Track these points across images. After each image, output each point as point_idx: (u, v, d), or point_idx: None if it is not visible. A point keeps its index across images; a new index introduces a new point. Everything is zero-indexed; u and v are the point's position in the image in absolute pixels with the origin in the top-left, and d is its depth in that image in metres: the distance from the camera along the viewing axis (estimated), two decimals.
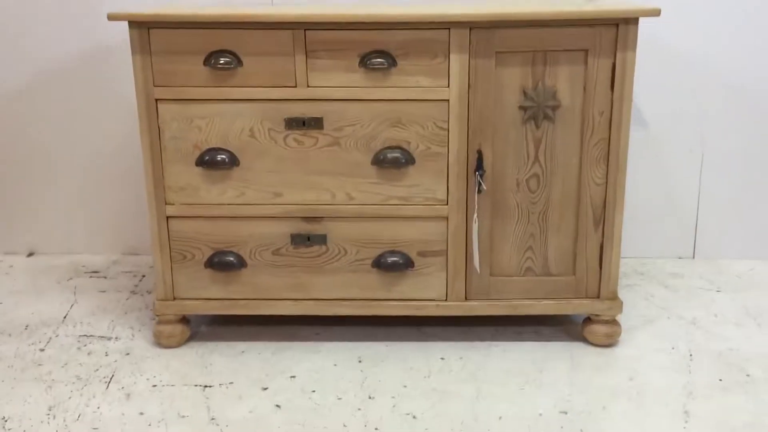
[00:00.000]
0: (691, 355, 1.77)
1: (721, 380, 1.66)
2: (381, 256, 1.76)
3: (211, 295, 1.80)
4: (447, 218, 1.74)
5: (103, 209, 2.40)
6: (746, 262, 2.31)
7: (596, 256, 1.75)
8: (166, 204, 1.74)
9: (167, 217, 1.75)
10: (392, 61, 1.64)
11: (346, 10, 1.62)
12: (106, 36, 2.20)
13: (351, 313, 1.80)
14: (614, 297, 1.78)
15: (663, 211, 2.31)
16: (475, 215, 1.72)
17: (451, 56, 1.64)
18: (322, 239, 1.76)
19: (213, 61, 1.65)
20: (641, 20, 1.61)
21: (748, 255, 2.34)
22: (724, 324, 1.92)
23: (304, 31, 1.63)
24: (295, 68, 1.66)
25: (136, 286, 2.21)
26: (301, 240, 1.76)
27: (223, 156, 1.71)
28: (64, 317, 2.00)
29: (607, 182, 1.71)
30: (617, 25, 1.61)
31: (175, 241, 1.77)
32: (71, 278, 2.25)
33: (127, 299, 2.12)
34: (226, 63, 1.65)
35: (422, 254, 1.76)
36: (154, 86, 1.67)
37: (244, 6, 1.75)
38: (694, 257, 2.36)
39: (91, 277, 2.27)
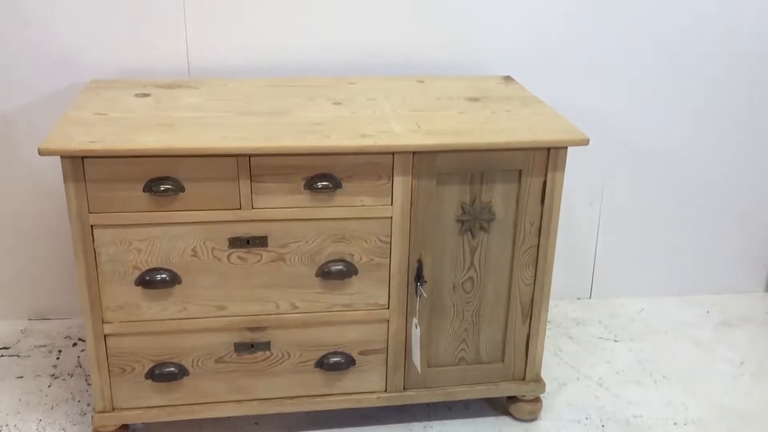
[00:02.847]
0: (603, 425, 1.98)
1: None
2: (324, 357, 1.82)
3: (152, 403, 1.80)
4: (388, 321, 1.81)
5: (5, 271, 2.28)
6: (637, 301, 2.56)
7: (523, 345, 1.90)
8: (103, 323, 1.70)
9: (105, 335, 1.71)
10: (337, 183, 1.66)
11: (292, 141, 1.61)
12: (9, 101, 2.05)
13: (294, 410, 1.86)
14: (538, 379, 1.94)
15: (565, 257, 2.49)
16: (416, 320, 1.80)
17: (395, 178, 1.68)
18: (266, 346, 1.79)
19: (153, 187, 1.60)
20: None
21: (638, 294, 2.60)
22: (626, 384, 2.15)
23: (248, 158, 1.61)
24: (239, 192, 1.64)
25: (55, 366, 2.14)
26: (245, 348, 1.78)
27: (164, 275, 1.68)
28: None
29: (534, 283, 1.84)
30: (549, 150, 1.71)
31: (113, 357, 1.73)
32: None
33: (50, 386, 2.05)
34: (166, 189, 1.60)
35: (364, 353, 1.84)
36: (90, 213, 1.60)
37: (187, 136, 1.68)
38: (590, 297, 2.58)
39: (2, 356, 2.17)
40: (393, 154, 1.66)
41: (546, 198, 1.76)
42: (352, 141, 1.62)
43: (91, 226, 1.61)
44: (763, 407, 2.07)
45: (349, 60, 2.20)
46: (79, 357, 2.19)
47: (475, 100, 1.94)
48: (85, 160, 1.56)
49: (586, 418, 2.00)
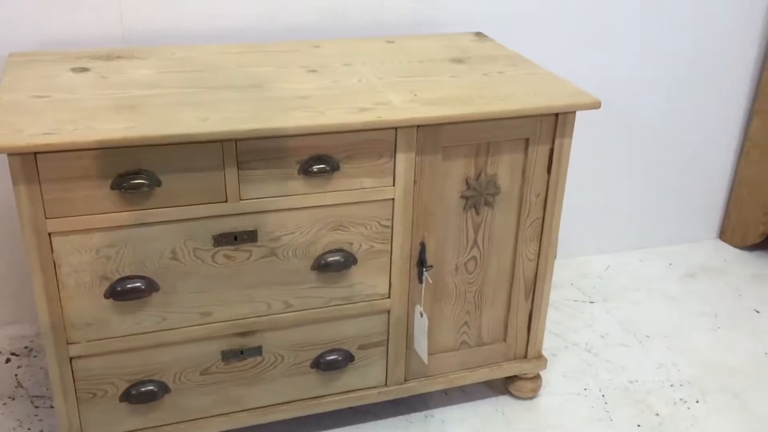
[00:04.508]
0: (603, 395, 1.92)
1: (639, 426, 1.83)
2: (320, 356, 1.64)
3: (129, 427, 1.56)
4: (389, 310, 1.65)
5: None
6: (602, 259, 2.52)
7: (525, 322, 1.80)
8: (68, 344, 1.44)
9: (71, 358, 1.46)
10: (335, 165, 1.47)
11: (285, 121, 1.39)
12: None
13: (289, 417, 1.68)
14: (539, 356, 1.85)
15: None
16: (420, 308, 1.65)
17: (398, 155, 1.50)
18: (257, 351, 1.59)
19: (123, 183, 1.34)
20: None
21: (601, 251, 2.56)
22: (613, 348, 2.10)
23: (234, 143, 1.38)
24: (225, 183, 1.41)
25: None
26: (234, 355, 1.57)
27: (139, 284, 1.44)
28: None
29: (539, 257, 1.72)
30: (557, 115, 1.58)
31: (81, 382, 1.48)
32: None
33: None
34: (139, 185, 1.35)
35: (363, 347, 1.67)
36: (47, 219, 1.33)
37: (160, 120, 1.42)
38: (556, 257, 2.52)
39: None
40: (396, 129, 1.47)
41: (552, 167, 1.63)
42: (352, 117, 1.43)
43: (49, 234, 1.35)
44: (748, 360, 2.08)
45: (305, 21, 1.98)
46: (17, 375, 1.90)
47: (459, 61, 1.78)
48: (38, 156, 1.28)
49: (585, 389, 1.94)
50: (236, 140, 1.38)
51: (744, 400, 1.92)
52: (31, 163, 1.28)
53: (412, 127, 1.48)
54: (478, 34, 2.01)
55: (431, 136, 1.51)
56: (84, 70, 1.60)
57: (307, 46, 1.86)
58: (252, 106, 1.45)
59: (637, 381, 1.98)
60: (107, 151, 1.31)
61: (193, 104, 1.44)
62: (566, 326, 2.18)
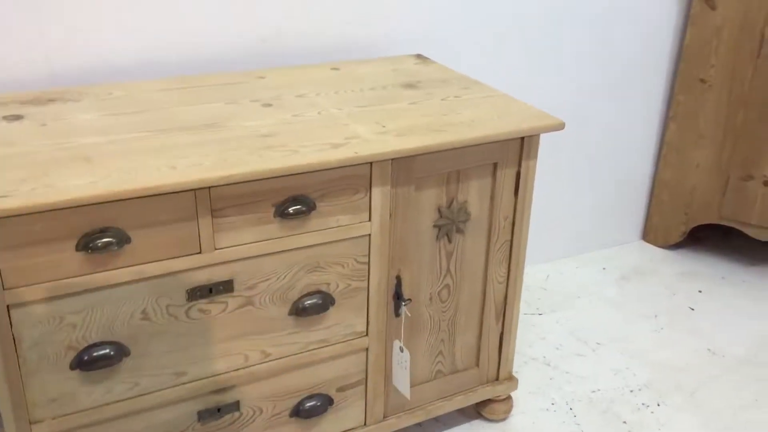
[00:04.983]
0: (570, 408, 1.94)
1: None
2: (299, 403, 1.57)
3: None
4: (367, 349, 1.60)
5: None
6: (540, 268, 2.57)
7: (497, 345, 1.79)
8: (31, 424, 1.30)
9: None
10: (311, 205, 1.40)
11: (260, 163, 1.31)
12: None
13: None
14: (510, 377, 1.84)
15: None
16: (401, 343, 1.61)
17: (373, 190, 1.45)
18: (234, 406, 1.49)
19: (90, 244, 1.22)
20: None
21: (537, 260, 2.60)
22: (570, 359, 2.13)
23: (208, 191, 1.29)
24: (199, 232, 1.31)
25: None
26: (210, 414, 1.47)
27: (107, 350, 1.31)
28: None
29: (508, 279, 1.72)
30: (522, 138, 1.58)
31: None
32: None
33: None
34: (107, 244, 1.23)
35: (341, 389, 1.61)
36: (4, 290, 1.19)
37: (123, 172, 1.30)
38: None
39: None
40: (371, 164, 1.42)
41: (520, 189, 1.63)
42: (327, 154, 1.36)
43: (7, 307, 1.20)
44: (694, 358, 2.16)
45: (239, 50, 1.89)
46: None
47: (411, 86, 1.75)
48: None
49: (552, 404, 1.95)
50: (210, 188, 1.29)
51: (699, 399, 2.00)
52: None
53: (387, 160, 1.43)
54: (419, 56, 1.99)
55: (405, 168, 1.47)
56: (17, 117, 1.46)
57: (249, 77, 1.77)
58: (217, 149, 1.35)
59: (599, 390, 2.02)
60: (71, 211, 1.19)
61: (152, 151, 1.33)
62: (521, 341, 2.19)
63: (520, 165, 1.61)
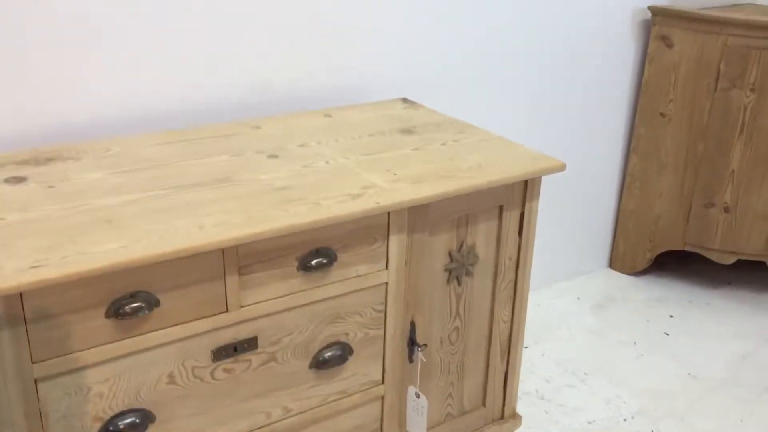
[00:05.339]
0: None
1: None
2: None
3: None
4: (383, 397, 1.59)
5: None
6: None
7: (502, 384, 1.81)
8: None
9: None
10: (333, 257, 1.39)
11: (287, 219, 1.30)
12: None
13: None
14: (514, 415, 1.86)
15: None
16: (416, 389, 1.61)
17: (391, 238, 1.46)
18: None
19: (119, 310, 1.18)
20: None
21: None
22: (561, 391, 2.17)
23: (236, 248, 1.27)
24: (226, 291, 1.29)
25: None
26: None
27: (134, 418, 1.27)
28: None
29: (512, 318, 1.75)
30: (527, 181, 1.62)
31: None
32: None
33: None
34: (137, 309, 1.20)
35: None
36: (33, 363, 1.14)
37: (151, 234, 1.27)
38: None
39: None
40: (389, 213, 1.43)
41: (523, 229, 1.67)
42: (349, 205, 1.37)
43: (35, 381, 1.15)
44: (678, 383, 2.23)
45: (228, 99, 1.88)
46: None
47: (408, 132, 1.77)
48: (24, 295, 1.09)
49: None
50: (238, 246, 1.27)
51: (691, 423, 2.06)
52: (16, 304, 1.09)
53: (404, 209, 1.44)
54: (405, 100, 2.02)
55: (420, 215, 1.49)
56: (20, 179, 1.40)
57: (244, 127, 1.76)
58: (239, 205, 1.34)
59: (594, 421, 2.06)
60: (103, 277, 1.15)
61: (173, 210, 1.31)
62: None
63: (523, 206, 1.65)
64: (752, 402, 2.16)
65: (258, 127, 1.76)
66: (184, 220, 1.27)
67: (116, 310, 1.18)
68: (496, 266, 1.67)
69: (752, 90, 2.44)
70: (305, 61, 1.95)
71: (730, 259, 2.65)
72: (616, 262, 2.89)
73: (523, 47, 2.33)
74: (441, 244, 1.56)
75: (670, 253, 2.87)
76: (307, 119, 1.84)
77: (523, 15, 2.29)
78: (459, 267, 1.61)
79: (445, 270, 1.59)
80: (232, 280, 1.29)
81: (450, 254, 1.59)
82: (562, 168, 1.63)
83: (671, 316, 2.59)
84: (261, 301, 1.34)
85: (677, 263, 2.90)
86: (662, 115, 2.62)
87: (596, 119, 2.63)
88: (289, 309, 1.38)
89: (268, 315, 1.36)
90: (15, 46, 1.56)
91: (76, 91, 1.66)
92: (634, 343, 2.43)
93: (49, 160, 1.51)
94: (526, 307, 1.76)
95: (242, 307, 1.32)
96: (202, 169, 1.50)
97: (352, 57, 2.02)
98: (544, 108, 2.46)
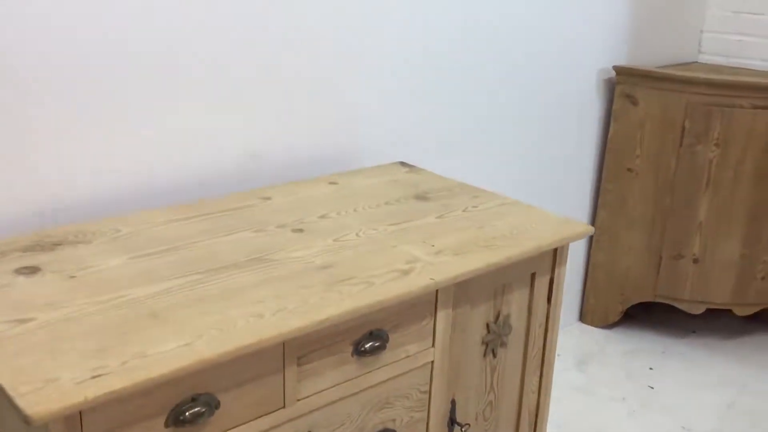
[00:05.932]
0: None
1: None
2: None
3: None
4: None
5: None
6: None
7: None
8: None
9: None
10: (386, 338, 1.31)
11: (344, 303, 1.21)
12: None
13: None
14: None
15: None
16: None
17: (438, 314, 1.39)
18: None
19: (180, 417, 1.05)
20: None
21: None
22: None
23: (295, 339, 1.17)
24: (284, 384, 1.18)
25: None
26: None
27: None
28: None
29: (540, 387, 1.70)
30: (556, 248, 1.59)
31: None
32: None
33: None
34: (197, 414, 1.07)
35: None
36: None
37: (206, 330, 1.15)
38: None
39: None
40: (437, 290, 1.36)
41: (552, 295, 1.63)
42: (404, 283, 1.29)
43: None
44: None
45: (225, 170, 1.77)
46: None
47: (422, 198, 1.72)
48: (83, 412, 0.95)
49: None
50: (298, 336, 1.16)
51: None
52: (74, 424, 0.95)
53: (450, 284, 1.38)
54: (403, 164, 1.97)
55: (464, 288, 1.42)
56: (34, 270, 1.25)
57: (253, 198, 1.66)
58: (287, 289, 1.23)
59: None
60: (169, 382, 1.02)
61: (219, 298, 1.19)
62: None
63: (553, 272, 1.61)
64: None
65: (267, 198, 1.66)
66: (237, 309, 1.16)
67: (176, 418, 1.05)
68: (527, 335, 1.62)
69: (717, 145, 2.54)
70: (302, 129, 1.88)
71: (700, 309, 2.72)
72: (587, 315, 2.91)
73: (497, 109, 2.34)
74: (480, 316, 1.50)
75: (637, 304, 2.91)
76: (314, 188, 1.75)
77: (497, 76, 2.30)
78: (495, 339, 1.55)
79: (482, 343, 1.53)
80: (291, 372, 1.18)
81: (488, 326, 1.53)
82: (590, 232, 1.61)
83: (651, 369, 2.62)
84: (317, 392, 1.23)
85: (643, 314, 2.95)
86: (629, 170, 2.68)
87: (566, 175, 2.66)
88: (342, 398, 1.28)
89: (323, 406, 1.25)
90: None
91: (72, 170, 1.52)
92: (623, 398, 2.43)
93: (56, 245, 1.36)
94: (552, 375, 1.72)
95: (299, 400, 1.21)
96: (228, 247, 1.39)
97: (348, 122, 1.96)
98: (515, 164, 2.47)
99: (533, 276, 1.58)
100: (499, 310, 1.54)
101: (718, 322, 2.93)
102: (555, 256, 1.60)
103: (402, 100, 2.07)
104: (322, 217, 1.57)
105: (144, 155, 1.62)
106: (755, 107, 2.49)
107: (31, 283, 1.21)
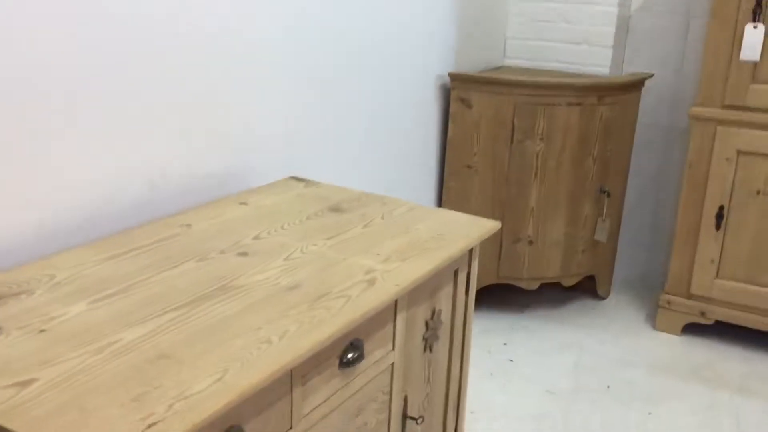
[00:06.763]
0: None
1: None
2: None
3: None
4: None
5: None
6: None
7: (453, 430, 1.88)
8: None
9: None
10: (362, 347, 1.36)
11: (337, 320, 1.25)
12: None
13: None
14: None
15: None
16: None
17: (397, 318, 1.47)
18: None
19: None
20: None
21: None
22: None
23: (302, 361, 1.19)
24: (292, 405, 1.19)
25: None
26: None
27: None
28: None
29: (461, 372, 1.84)
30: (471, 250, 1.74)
31: None
32: None
33: None
34: None
35: None
36: None
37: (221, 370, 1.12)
38: None
39: None
40: (396, 300, 1.44)
41: (469, 287, 1.78)
42: (375, 293, 1.35)
43: None
44: (549, 400, 2.51)
45: (131, 198, 1.70)
46: None
47: (337, 210, 1.78)
48: None
49: None
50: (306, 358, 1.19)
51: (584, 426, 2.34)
52: None
53: (407, 290, 1.47)
54: (297, 179, 2.01)
55: (414, 292, 1.52)
56: None
57: (175, 227, 1.61)
58: (276, 312, 1.25)
59: None
60: (213, 421, 1.00)
61: (217, 329, 1.18)
62: None
63: (470, 267, 1.76)
64: (602, 400, 2.52)
65: (188, 225, 1.63)
66: (239, 339, 1.16)
67: None
68: (452, 327, 1.76)
69: (541, 139, 2.86)
70: (198, 151, 1.84)
71: (535, 285, 3.05)
72: None
73: (355, 116, 2.44)
74: (421, 315, 1.60)
75: (482, 288, 3.18)
76: (228, 209, 1.74)
77: (352, 87, 2.41)
78: (432, 334, 1.66)
79: (423, 339, 1.64)
80: (298, 393, 1.20)
81: (426, 323, 1.63)
82: (497, 228, 1.78)
83: (505, 344, 2.89)
84: (314, 409, 1.26)
85: (486, 296, 3.23)
86: (469, 167, 2.93)
87: (411, 175, 2.84)
88: (332, 410, 1.32)
89: (317, 423, 1.28)
90: None
91: None
92: (491, 374, 2.67)
93: None
94: (469, 357, 1.87)
95: (302, 419, 1.23)
96: (183, 280, 1.36)
97: (239, 142, 1.96)
98: (367, 165, 2.59)
99: (456, 272, 1.72)
100: (434, 307, 1.65)
101: (547, 295, 3.29)
102: (471, 252, 1.75)
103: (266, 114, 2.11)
104: (256, 238, 1.58)
105: (39, 194, 1.51)
106: (570, 104, 2.84)
107: (1, 344, 1.10)
